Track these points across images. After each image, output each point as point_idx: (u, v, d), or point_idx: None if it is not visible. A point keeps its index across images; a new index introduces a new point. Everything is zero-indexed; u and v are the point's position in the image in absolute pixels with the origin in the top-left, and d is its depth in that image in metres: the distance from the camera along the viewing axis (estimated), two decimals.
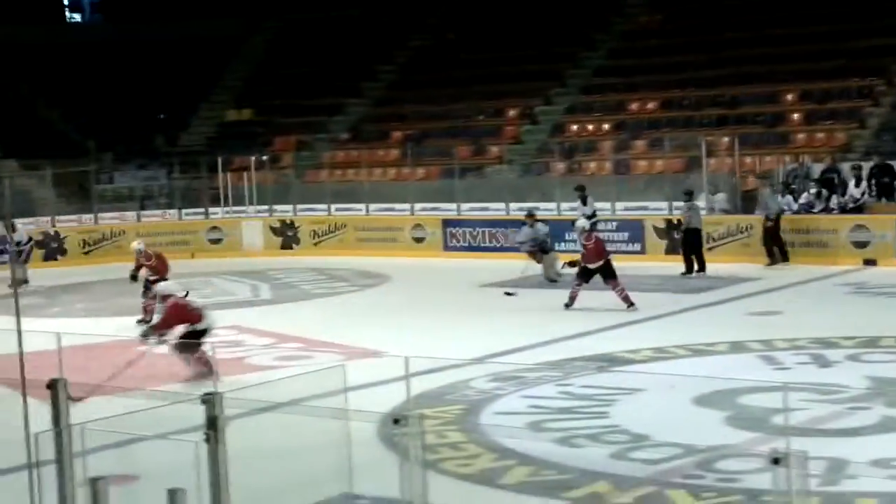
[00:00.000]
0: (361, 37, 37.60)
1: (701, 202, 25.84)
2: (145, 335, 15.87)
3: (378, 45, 37.48)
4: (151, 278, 19.20)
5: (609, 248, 26.34)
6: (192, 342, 15.08)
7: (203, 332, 15.53)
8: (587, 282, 19.39)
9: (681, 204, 24.64)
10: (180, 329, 15.46)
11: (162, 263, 19.83)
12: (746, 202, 26.65)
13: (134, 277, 20.38)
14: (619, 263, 24.93)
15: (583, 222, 20.54)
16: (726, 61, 31.66)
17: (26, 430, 5.38)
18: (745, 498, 9.94)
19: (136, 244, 20.79)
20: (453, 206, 29.03)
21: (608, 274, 19.28)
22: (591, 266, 19.32)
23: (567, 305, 19.25)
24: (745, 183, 27.33)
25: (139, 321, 18.57)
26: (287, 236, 30.81)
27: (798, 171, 26.76)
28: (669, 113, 31.48)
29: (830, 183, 25.54)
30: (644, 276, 22.38)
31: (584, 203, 25.52)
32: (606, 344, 16.56)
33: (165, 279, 18.32)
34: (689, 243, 23.74)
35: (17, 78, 36.55)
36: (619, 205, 27.16)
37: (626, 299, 18.99)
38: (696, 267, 23.23)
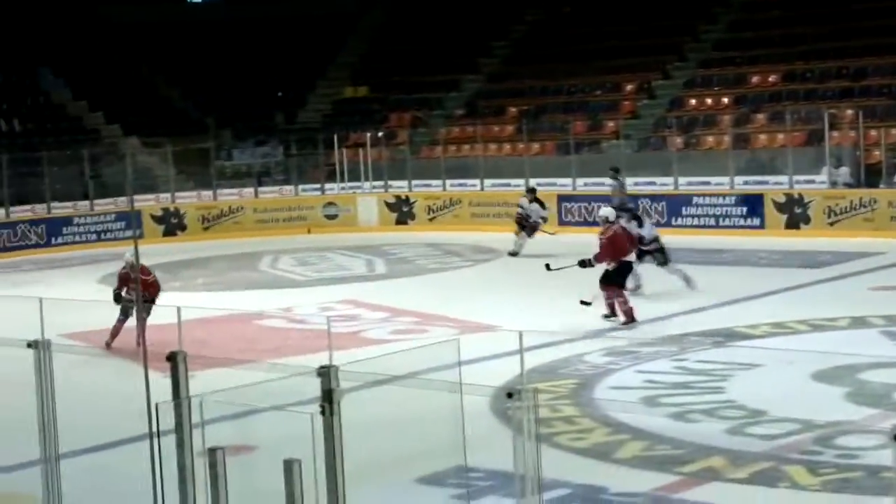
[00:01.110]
0: (477, 12, 37.60)
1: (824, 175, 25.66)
2: None
3: (493, 20, 37.44)
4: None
5: (727, 223, 26.34)
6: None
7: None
8: (620, 285, 16.34)
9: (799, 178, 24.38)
10: None
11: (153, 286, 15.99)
12: (870, 176, 26.17)
13: (118, 298, 16.19)
14: (737, 238, 24.92)
15: (607, 211, 17.35)
16: (850, 32, 30.97)
17: (147, 401, 5.50)
18: (864, 474, 9.80)
19: (128, 255, 16.72)
20: (568, 181, 28.93)
21: (616, 278, 16.19)
22: (607, 266, 16.29)
23: (606, 316, 16.29)
24: (869, 156, 26.77)
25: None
26: (402, 212, 31.00)
27: None
28: (791, 85, 30.92)
29: None
30: (763, 250, 22.12)
31: (622, 187, 25.89)
32: (723, 319, 16.40)
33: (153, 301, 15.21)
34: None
35: (138, 58, 37.29)
36: (739, 179, 26.83)
37: (628, 313, 16.07)
38: None
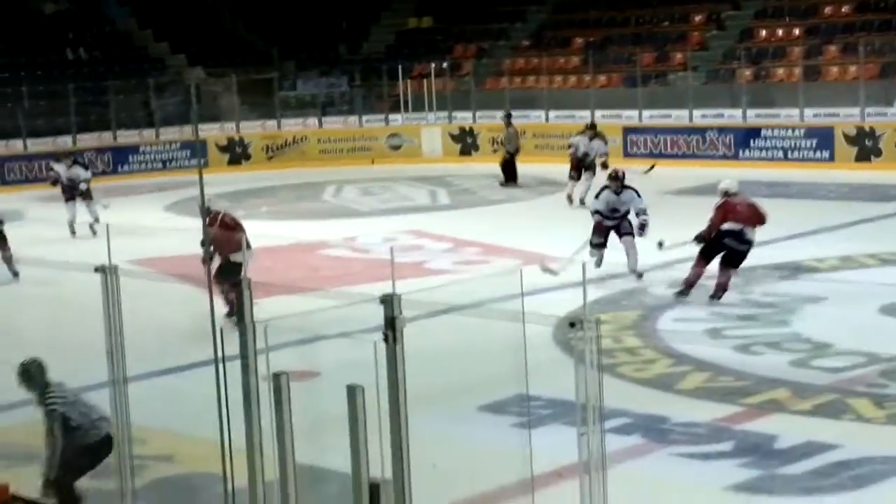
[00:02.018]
0: None
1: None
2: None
3: None
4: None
5: (796, 155, 26.07)
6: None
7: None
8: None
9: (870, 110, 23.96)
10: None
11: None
12: None
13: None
14: (806, 171, 24.67)
15: (729, 183, 14.69)
16: None
17: (213, 326, 5.58)
18: None
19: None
20: (634, 113, 28.74)
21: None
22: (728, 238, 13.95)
23: (680, 293, 14.11)
24: None
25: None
26: (466, 143, 30.99)
27: None
28: (865, 16, 30.33)
29: None
30: (832, 183, 21.91)
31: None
32: (791, 252, 16.30)
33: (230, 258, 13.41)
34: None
35: None
36: (808, 112, 26.50)
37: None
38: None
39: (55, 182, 20.79)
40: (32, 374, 7.80)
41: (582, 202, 21.19)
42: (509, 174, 25.24)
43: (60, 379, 7.78)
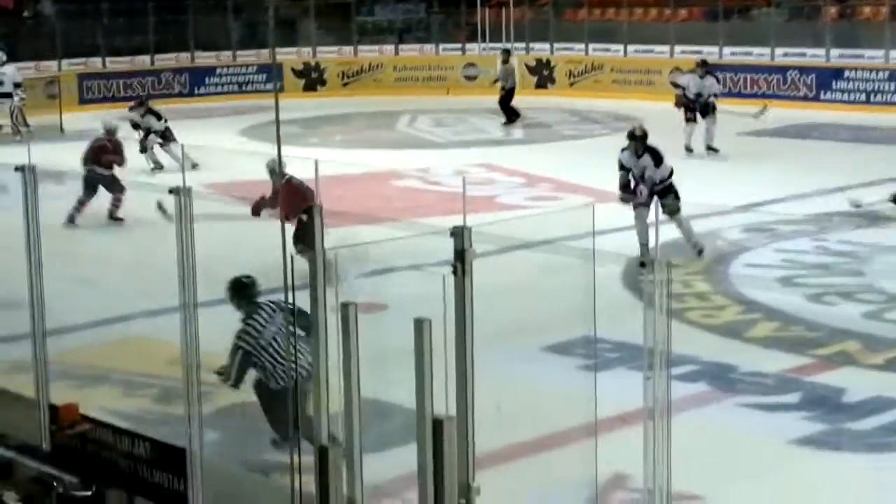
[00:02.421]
0: None
1: None
2: None
3: None
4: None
5: (879, 98, 25.59)
6: None
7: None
8: None
9: None
10: None
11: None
12: None
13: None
14: (890, 115, 24.24)
15: None
16: None
17: (283, 253, 5.60)
18: None
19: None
20: (715, 49, 28.32)
21: None
22: None
23: None
24: None
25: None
26: (542, 75, 30.78)
27: None
28: None
29: None
30: None
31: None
32: (870, 199, 16.04)
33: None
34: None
35: None
36: (894, 53, 25.97)
37: None
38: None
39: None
40: (241, 290, 8.18)
41: (711, 149, 20.21)
42: (509, 112, 24.97)
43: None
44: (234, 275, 8.30)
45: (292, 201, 12.26)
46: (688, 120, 20.53)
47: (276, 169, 12.82)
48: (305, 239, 12.39)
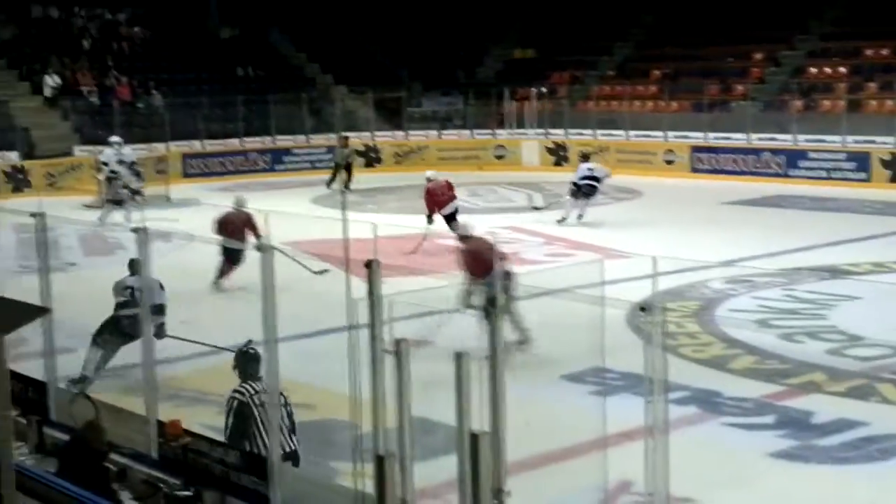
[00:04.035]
0: None
1: None
2: None
3: None
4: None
5: (837, 175, 25.46)
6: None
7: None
8: None
9: None
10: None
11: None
12: None
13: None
14: (845, 189, 24.12)
15: None
16: None
17: (347, 299, 5.62)
18: None
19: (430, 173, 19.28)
20: (701, 134, 28.37)
21: None
22: None
23: None
24: None
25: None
26: (559, 155, 30.82)
27: None
28: None
29: None
30: (868, 200, 21.39)
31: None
32: (830, 257, 15.97)
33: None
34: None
35: (348, 21, 37.60)
36: (849, 138, 25.90)
37: None
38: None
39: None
40: (244, 361, 7.63)
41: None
42: (346, 180, 25.68)
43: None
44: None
45: (476, 262, 12.05)
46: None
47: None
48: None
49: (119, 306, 10.80)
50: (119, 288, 10.92)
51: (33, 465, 6.95)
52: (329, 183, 25.97)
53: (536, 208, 16.47)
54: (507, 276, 11.32)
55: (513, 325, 10.80)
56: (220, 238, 15.17)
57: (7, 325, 4.75)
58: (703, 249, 16.27)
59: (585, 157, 21.25)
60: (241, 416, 7.45)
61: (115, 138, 23.62)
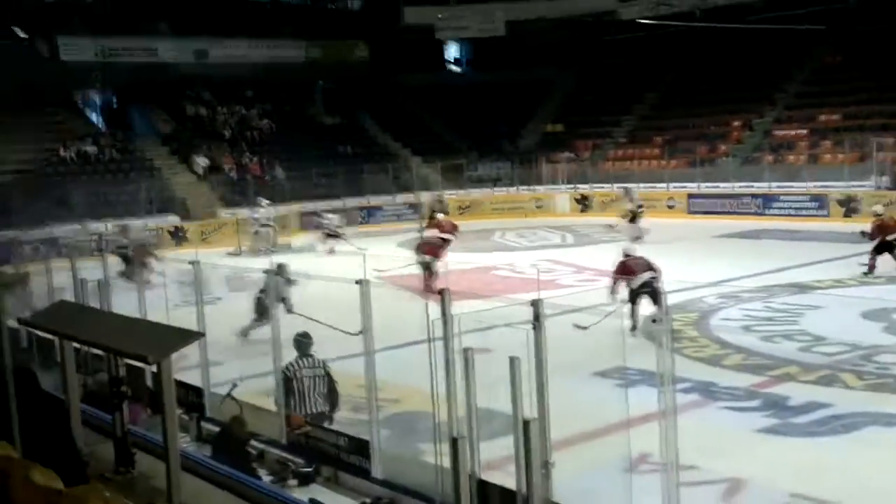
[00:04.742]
0: (633, 76, 36.63)
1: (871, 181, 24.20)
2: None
3: (644, 81, 36.38)
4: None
5: (803, 213, 25.00)
6: None
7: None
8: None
9: (853, 183, 22.78)
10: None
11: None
12: None
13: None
14: (809, 223, 23.65)
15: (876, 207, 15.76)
16: (889, 87, 28.70)
17: (426, 318, 5.65)
18: (894, 381, 9.27)
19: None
20: (695, 184, 28.08)
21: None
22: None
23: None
24: None
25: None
26: (585, 204, 30.66)
27: None
28: (848, 122, 28.99)
29: None
30: (827, 231, 20.98)
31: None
32: (799, 276, 15.68)
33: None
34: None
35: (420, 108, 37.82)
36: (811, 184, 25.50)
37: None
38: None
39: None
40: (298, 344, 7.94)
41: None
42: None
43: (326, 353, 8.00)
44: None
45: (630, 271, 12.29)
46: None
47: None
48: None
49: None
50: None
51: (194, 451, 7.05)
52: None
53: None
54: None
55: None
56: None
57: (172, 347, 4.87)
58: (700, 273, 16.09)
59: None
60: (286, 385, 7.65)
61: (264, 201, 24.47)
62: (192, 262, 8.29)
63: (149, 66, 32.92)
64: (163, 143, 32.40)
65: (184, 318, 7.18)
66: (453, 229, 18.91)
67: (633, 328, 11.37)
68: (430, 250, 16.42)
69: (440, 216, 20.29)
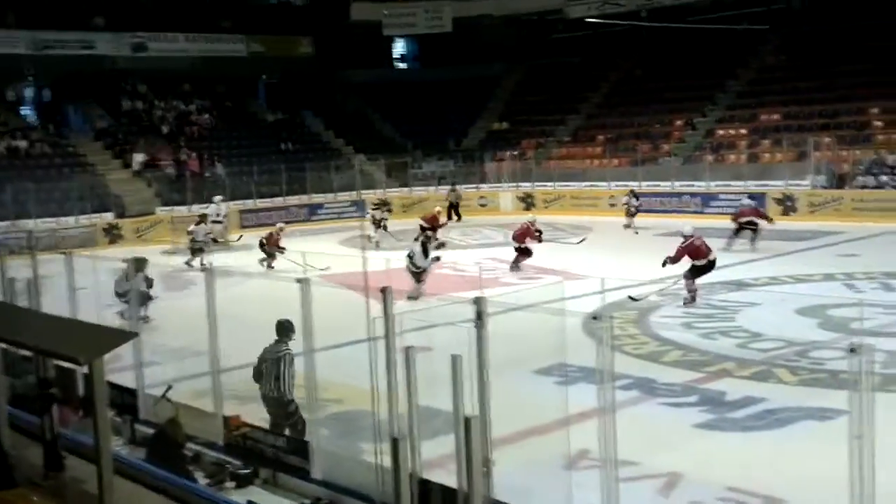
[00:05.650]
0: (579, 75, 37.05)
1: (808, 180, 24.83)
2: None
3: (589, 80, 36.84)
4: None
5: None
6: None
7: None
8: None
9: (791, 182, 23.36)
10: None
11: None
12: (839, 181, 25.27)
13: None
14: None
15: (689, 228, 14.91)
16: (828, 87, 29.60)
17: (367, 317, 5.65)
18: (828, 376, 9.52)
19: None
20: (636, 183, 28.44)
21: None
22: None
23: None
24: (839, 168, 25.75)
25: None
26: (527, 202, 30.88)
27: (876, 161, 25.06)
28: (788, 121, 29.71)
29: None
30: (766, 230, 21.41)
31: None
32: (737, 273, 16.00)
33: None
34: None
35: (364, 105, 37.77)
36: (750, 182, 26.05)
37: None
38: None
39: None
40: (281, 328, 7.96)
41: None
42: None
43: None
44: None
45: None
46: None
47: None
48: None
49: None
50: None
51: (127, 454, 6.93)
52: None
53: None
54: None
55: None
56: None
57: (104, 347, 4.78)
58: (640, 270, 16.30)
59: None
60: (257, 366, 7.92)
61: (217, 197, 24.15)
62: (125, 261, 8.14)
63: (84, 60, 32.21)
64: (98, 138, 31.71)
65: (117, 318, 7.05)
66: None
67: (693, 301, 13.33)
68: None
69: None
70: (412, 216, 30.06)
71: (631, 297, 13.49)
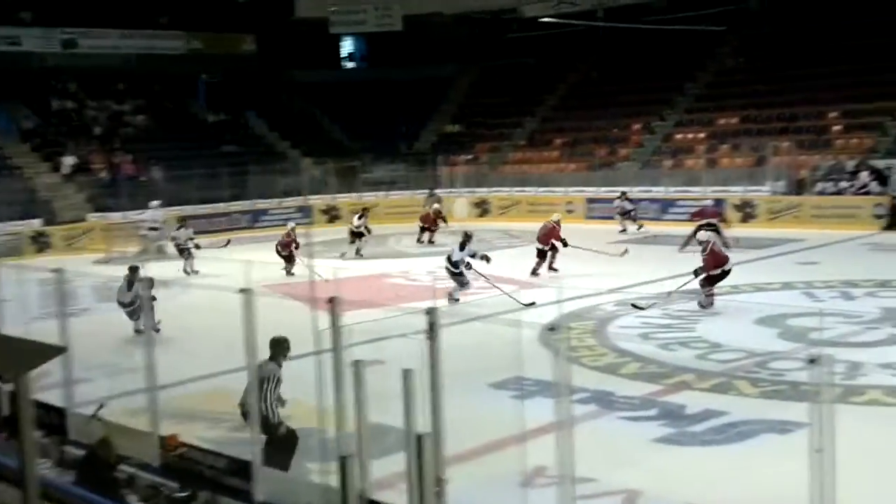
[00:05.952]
0: (535, 76, 37.33)
1: (767, 186, 25.30)
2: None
3: (545, 82, 37.15)
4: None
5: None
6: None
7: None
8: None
9: (750, 188, 23.79)
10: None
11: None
12: (798, 187, 25.79)
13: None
14: None
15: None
16: (788, 90, 30.22)
17: (314, 329, 5.59)
18: (788, 387, 9.67)
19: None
20: (593, 189, 28.76)
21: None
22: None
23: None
24: (797, 174, 26.28)
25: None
26: (483, 208, 31.01)
27: (836, 167, 25.65)
28: (746, 126, 30.28)
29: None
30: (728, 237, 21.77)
31: None
32: (696, 282, 16.16)
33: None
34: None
35: (311, 104, 37.65)
36: (708, 188, 26.41)
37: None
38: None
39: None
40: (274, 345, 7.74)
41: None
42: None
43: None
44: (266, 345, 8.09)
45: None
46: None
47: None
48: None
49: None
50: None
51: (55, 478, 6.77)
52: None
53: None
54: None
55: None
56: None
57: (31, 363, 4.66)
58: (597, 279, 16.44)
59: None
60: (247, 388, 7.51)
61: (155, 202, 23.78)
62: (54, 270, 7.96)
63: (10, 57, 31.54)
64: (25, 139, 31.06)
65: (45, 332, 6.89)
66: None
67: (711, 305, 13.79)
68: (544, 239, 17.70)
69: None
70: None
71: (634, 305, 13.91)
